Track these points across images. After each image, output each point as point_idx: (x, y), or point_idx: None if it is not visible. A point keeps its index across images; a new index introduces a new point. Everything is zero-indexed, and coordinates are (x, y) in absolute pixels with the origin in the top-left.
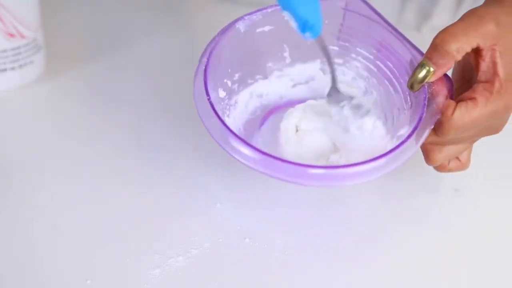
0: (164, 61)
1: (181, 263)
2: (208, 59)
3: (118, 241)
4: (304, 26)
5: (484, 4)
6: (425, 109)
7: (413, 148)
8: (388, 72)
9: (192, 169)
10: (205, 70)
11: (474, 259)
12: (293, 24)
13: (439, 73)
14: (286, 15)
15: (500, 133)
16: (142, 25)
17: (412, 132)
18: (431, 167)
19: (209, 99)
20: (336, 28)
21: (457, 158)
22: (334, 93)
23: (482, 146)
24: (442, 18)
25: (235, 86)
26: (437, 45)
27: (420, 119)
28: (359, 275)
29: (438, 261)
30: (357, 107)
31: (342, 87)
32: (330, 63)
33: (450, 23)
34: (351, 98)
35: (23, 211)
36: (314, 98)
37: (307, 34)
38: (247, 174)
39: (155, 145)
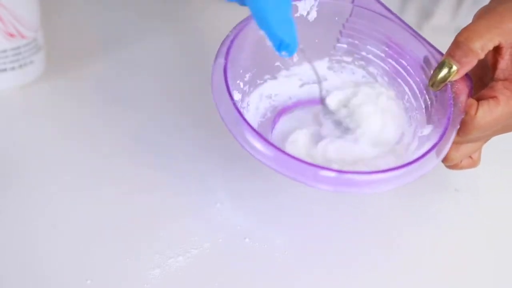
0: (165, 60)
1: (181, 263)
2: (225, 60)
3: (118, 241)
4: (280, 46)
5: (499, 1)
6: (452, 109)
7: (435, 160)
8: (402, 70)
9: (192, 169)
10: (225, 72)
11: (474, 259)
12: (268, 43)
13: (462, 72)
14: (262, 34)
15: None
16: (143, 25)
17: (443, 134)
18: None
19: (233, 103)
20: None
21: (469, 156)
22: (323, 104)
23: (483, 147)
24: (443, 17)
25: (246, 87)
26: (460, 43)
27: (448, 120)
28: (359, 275)
29: (438, 261)
30: (338, 123)
31: (331, 101)
32: (318, 77)
33: (450, 22)
34: (333, 113)
35: (23, 211)
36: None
37: (284, 53)
38: (248, 174)
39: (155, 145)
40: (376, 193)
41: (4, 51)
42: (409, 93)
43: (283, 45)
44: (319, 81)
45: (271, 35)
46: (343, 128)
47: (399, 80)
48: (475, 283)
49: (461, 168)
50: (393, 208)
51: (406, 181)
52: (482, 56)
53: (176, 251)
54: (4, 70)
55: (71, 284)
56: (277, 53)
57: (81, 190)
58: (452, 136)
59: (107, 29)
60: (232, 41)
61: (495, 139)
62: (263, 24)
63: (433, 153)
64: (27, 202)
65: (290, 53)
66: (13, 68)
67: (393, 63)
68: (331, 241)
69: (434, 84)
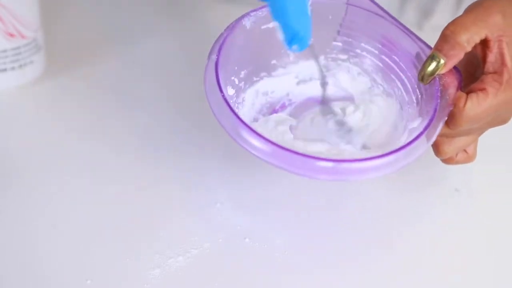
0: (166, 60)
1: (181, 263)
2: (217, 56)
3: (118, 241)
4: (293, 39)
5: None
6: (438, 101)
7: (427, 143)
8: (394, 66)
9: (192, 169)
10: (216, 67)
11: (474, 259)
12: (280, 36)
13: (450, 65)
14: (275, 25)
15: (499, 133)
16: (143, 25)
17: (428, 124)
18: (431, 167)
19: (223, 95)
20: (339, 24)
21: (464, 150)
22: (324, 104)
23: (483, 146)
24: (443, 16)
25: (242, 84)
26: (447, 36)
27: (435, 111)
28: (358, 275)
29: (438, 261)
30: (341, 124)
31: (336, 93)
32: (322, 73)
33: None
34: (335, 114)
35: (23, 211)
36: (319, 96)
37: (295, 47)
38: (248, 174)
39: (155, 145)
40: (373, 184)
41: (4, 51)
42: (402, 88)
43: (296, 39)
44: (323, 80)
45: (286, 27)
46: (346, 128)
47: (392, 76)
48: (475, 283)
49: (457, 162)
50: (393, 208)
51: (396, 168)
52: (468, 49)
53: (176, 251)
54: (4, 70)
55: (71, 284)
56: (286, 46)
57: (81, 190)
58: (440, 125)
59: (107, 29)
60: (225, 39)
61: (493, 139)
62: (280, 14)
63: (422, 138)
64: (27, 202)
65: (301, 48)
66: (13, 68)
67: (387, 59)
68: (331, 241)
69: (424, 78)
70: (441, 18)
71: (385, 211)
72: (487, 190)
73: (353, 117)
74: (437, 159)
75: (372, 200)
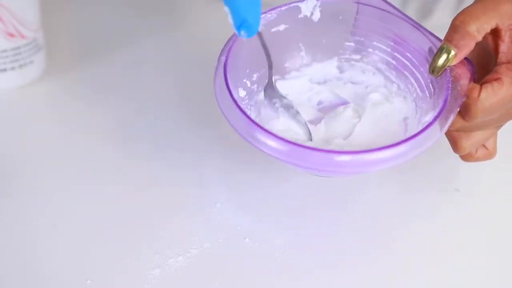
0: (164, 60)
1: (181, 263)
2: (226, 58)
3: (118, 241)
4: (241, 25)
5: None
6: (449, 91)
7: (439, 132)
8: (408, 63)
9: (193, 169)
10: (225, 68)
11: (474, 259)
12: (230, 20)
13: (461, 56)
14: (226, 10)
15: (500, 133)
16: (143, 25)
17: (439, 114)
18: (431, 167)
19: (231, 95)
20: (350, 23)
21: (484, 146)
22: (270, 89)
23: None
24: (443, 16)
25: (254, 86)
26: (457, 27)
27: (445, 102)
28: (358, 275)
29: (438, 261)
30: (287, 107)
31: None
32: (269, 59)
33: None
34: (282, 97)
35: (23, 211)
36: (333, 98)
37: (243, 32)
38: (248, 174)
39: (155, 145)
40: (373, 183)
41: (4, 51)
42: (415, 84)
43: (245, 25)
44: (270, 66)
45: (235, 13)
46: (294, 110)
47: (406, 73)
48: (475, 283)
49: (477, 159)
50: (393, 208)
51: (410, 156)
52: (479, 38)
53: (176, 251)
54: (4, 70)
55: (71, 284)
56: (235, 31)
57: (81, 190)
58: (451, 116)
59: (107, 29)
60: (234, 41)
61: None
62: (230, 0)
63: (435, 127)
64: (27, 202)
65: (250, 34)
66: (13, 68)
67: (400, 57)
68: (331, 241)
69: (435, 70)
70: (441, 18)
71: (385, 211)
72: (487, 190)
73: (368, 115)
74: (437, 159)
75: (372, 200)
